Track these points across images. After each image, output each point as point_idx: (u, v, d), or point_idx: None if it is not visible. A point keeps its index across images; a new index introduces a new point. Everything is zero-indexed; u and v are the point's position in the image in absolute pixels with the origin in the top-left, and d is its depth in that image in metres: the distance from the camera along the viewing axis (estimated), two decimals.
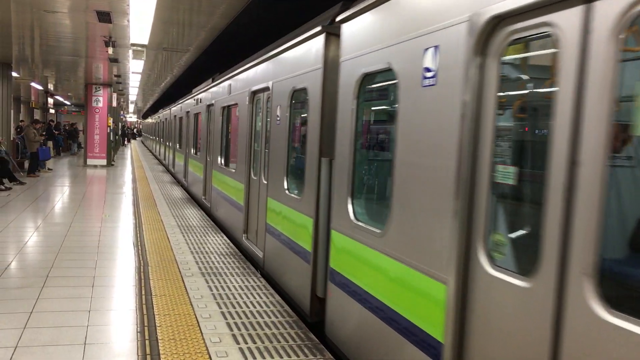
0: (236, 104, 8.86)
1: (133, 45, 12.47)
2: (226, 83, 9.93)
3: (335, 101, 4.70)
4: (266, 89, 6.94)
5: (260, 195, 7.10)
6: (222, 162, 10.17)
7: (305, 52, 5.55)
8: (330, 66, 4.93)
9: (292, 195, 5.73)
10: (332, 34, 4.95)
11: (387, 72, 3.82)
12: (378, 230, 3.81)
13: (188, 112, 15.79)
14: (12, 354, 4.18)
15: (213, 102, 11.25)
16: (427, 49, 3.22)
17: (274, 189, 6.34)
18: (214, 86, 11.47)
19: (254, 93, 7.65)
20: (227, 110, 9.97)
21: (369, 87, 4.40)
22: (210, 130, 11.60)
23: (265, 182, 6.78)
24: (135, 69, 17.60)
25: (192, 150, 14.53)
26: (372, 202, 4.58)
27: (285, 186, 5.93)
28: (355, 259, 4.19)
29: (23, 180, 15.13)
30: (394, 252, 3.56)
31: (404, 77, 3.50)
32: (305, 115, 5.60)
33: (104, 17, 9.54)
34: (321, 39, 5.08)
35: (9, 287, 5.83)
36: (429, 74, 3.19)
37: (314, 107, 5.17)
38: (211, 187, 10.98)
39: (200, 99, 13.31)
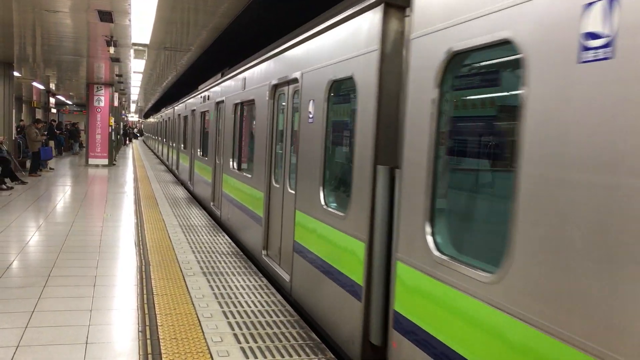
0: (252, 100, 7.72)
1: (134, 44, 12.48)
2: (240, 77, 8.75)
3: (396, 91, 3.74)
4: (293, 81, 5.92)
5: (285, 207, 6.08)
6: (235, 165, 9.05)
7: (351, 32, 4.46)
8: (391, 47, 3.87)
9: (332, 210, 4.66)
10: (393, 5, 3.89)
11: (501, 46, 2.75)
12: (485, 274, 2.72)
13: (194, 110, 14.63)
14: (14, 353, 4.18)
15: (223, 98, 10.07)
16: (590, 5, 2.20)
17: (305, 201, 5.30)
18: (224, 81, 10.31)
19: (276, 86, 6.58)
20: (241, 107, 8.87)
21: (463, 69, 3.28)
22: (219, 130, 10.48)
23: (292, 192, 5.77)
24: (136, 68, 17.61)
25: (199, 152, 13.37)
26: (468, 231, 3.44)
27: (322, 199, 4.88)
28: (440, 307, 3.11)
29: (25, 180, 15.14)
30: (521, 311, 2.47)
31: (539, 51, 2.45)
32: (351, 111, 4.61)
33: (106, 16, 9.55)
34: (377, 12, 3.97)
35: (11, 287, 5.83)
36: (594, 43, 2.17)
37: (365, 101, 4.09)
38: (221, 193, 9.85)
39: (208, 96, 12.17)
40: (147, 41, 12.11)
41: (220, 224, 9.91)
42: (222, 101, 10.18)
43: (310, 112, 5.24)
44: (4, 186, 13.42)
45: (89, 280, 6.11)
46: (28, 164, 17.83)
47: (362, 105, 4.16)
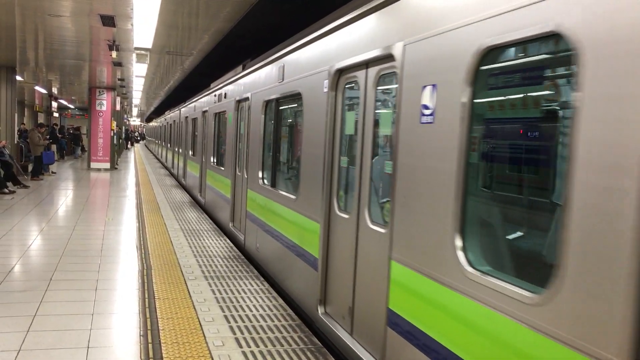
0: (297, 93, 5.83)
1: (137, 48, 12.53)
2: (274, 66, 6.83)
3: None
4: (379, 60, 4.03)
5: (362, 250, 4.22)
6: (267, 181, 7.12)
7: None
8: None
9: (498, 282, 2.63)
10: None
11: None
12: None
13: (205, 111, 12.72)
14: (15, 357, 4.18)
15: (247, 95, 8.20)
16: None
17: (416, 251, 3.35)
18: (247, 74, 8.43)
19: (342, 72, 4.73)
20: (276, 104, 6.89)
21: None
22: (241, 134, 8.70)
23: (381, 230, 3.91)
24: (138, 72, 17.67)
25: (212, 160, 11.44)
26: None
27: (461, 255, 2.91)
28: None
29: (27, 184, 15.17)
30: None
31: None
32: (547, 98, 2.77)
33: (108, 21, 9.59)
34: None
35: (13, 290, 5.83)
36: None
37: (613, 76, 2.09)
38: (246, 214, 8.00)
39: (225, 94, 10.23)
40: (149, 45, 12.15)
41: (245, 253, 7.99)
42: (246, 99, 8.33)
43: (426, 105, 3.31)
44: (6, 190, 13.44)
45: (90, 284, 6.11)
46: (30, 168, 17.86)
47: (601, 87, 2.14)
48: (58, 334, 4.66)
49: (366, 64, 4.27)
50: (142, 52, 12.82)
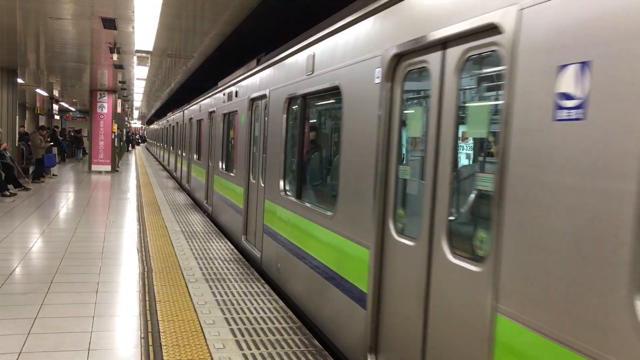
0: (334, 87, 4.81)
1: (138, 51, 12.55)
2: (299, 57, 5.85)
3: None
4: (468, 35, 3.03)
5: (438, 291, 3.21)
6: (290, 191, 6.19)
7: None
8: None
9: None
10: None
11: None
12: None
13: (212, 112, 11.81)
14: (16, 359, 4.18)
15: (265, 92, 7.22)
16: None
17: (554, 307, 2.26)
18: (263, 69, 7.47)
19: (401, 58, 3.73)
20: (302, 102, 5.87)
21: None
22: (255, 137, 7.90)
23: (473, 269, 2.87)
24: (139, 75, 17.69)
25: (221, 165, 10.53)
26: None
27: None
28: None
29: (28, 186, 15.18)
30: None
31: None
32: None
33: (109, 23, 9.61)
34: None
35: (14, 293, 5.83)
36: None
37: None
38: (263, 228, 7.03)
39: (236, 92, 9.28)
40: (150, 48, 12.17)
41: (262, 272, 7.05)
42: (263, 96, 7.40)
43: (567, 94, 2.25)
44: (7, 192, 13.46)
45: (91, 287, 6.11)
46: (31, 170, 17.87)
47: None
48: (59, 336, 4.66)
49: (443, 43, 3.23)
50: (143, 54, 12.84)
